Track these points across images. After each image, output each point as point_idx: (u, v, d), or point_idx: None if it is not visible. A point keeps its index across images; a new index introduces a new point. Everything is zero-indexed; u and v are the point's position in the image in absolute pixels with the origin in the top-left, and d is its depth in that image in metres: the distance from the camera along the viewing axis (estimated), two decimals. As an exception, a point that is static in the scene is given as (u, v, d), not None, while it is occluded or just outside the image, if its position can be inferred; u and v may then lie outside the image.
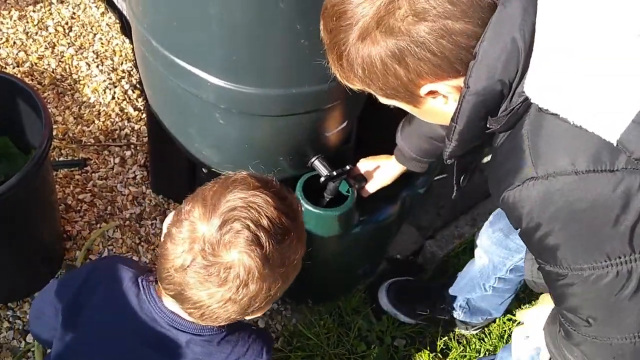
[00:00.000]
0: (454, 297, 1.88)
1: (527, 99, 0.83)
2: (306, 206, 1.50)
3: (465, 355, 1.91)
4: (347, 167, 1.54)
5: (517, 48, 0.81)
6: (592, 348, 0.97)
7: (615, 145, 0.77)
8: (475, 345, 1.94)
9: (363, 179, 1.62)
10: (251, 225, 0.91)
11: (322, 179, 1.53)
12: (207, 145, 1.52)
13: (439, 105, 0.93)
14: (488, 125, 0.89)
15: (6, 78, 1.57)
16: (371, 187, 1.62)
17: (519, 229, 0.90)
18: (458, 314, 1.90)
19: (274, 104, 1.34)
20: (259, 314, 1.03)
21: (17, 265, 1.69)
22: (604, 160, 0.78)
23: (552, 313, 1.13)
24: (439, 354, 1.90)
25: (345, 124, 1.56)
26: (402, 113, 1.84)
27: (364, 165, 1.63)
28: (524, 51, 0.81)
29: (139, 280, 1.08)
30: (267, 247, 0.91)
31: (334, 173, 1.52)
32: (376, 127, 1.91)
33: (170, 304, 1.04)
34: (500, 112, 0.86)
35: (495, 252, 1.64)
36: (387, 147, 1.93)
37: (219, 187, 0.96)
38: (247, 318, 1.03)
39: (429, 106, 0.94)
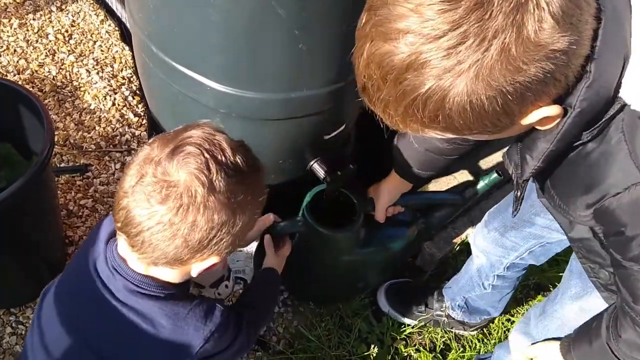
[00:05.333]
0: (453, 297, 1.90)
1: (624, 105, 0.80)
2: (310, 222, 1.52)
3: (465, 356, 1.92)
4: (351, 167, 1.55)
5: (622, 57, 0.78)
6: None
7: None
8: (476, 346, 1.95)
9: (372, 202, 1.60)
10: (205, 153, 0.93)
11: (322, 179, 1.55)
12: (207, 150, 1.53)
13: (528, 124, 0.82)
14: (578, 142, 0.85)
15: (8, 85, 1.59)
16: (379, 206, 1.59)
17: (615, 234, 0.90)
18: (456, 314, 1.91)
19: (273, 108, 1.36)
20: (207, 260, 1.01)
21: (19, 271, 1.71)
22: None
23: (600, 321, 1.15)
24: (439, 355, 1.91)
25: (343, 127, 1.58)
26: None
27: (372, 189, 1.61)
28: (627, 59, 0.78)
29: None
30: (216, 176, 0.92)
31: (331, 176, 1.54)
32: (375, 132, 1.94)
33: (121, 247, 1.04)
34: (595, 126, 0.83)
35: (492, 251, 1.65)
36: (387, 152, 1.95)
37: (183, 127, 0.99)
38: (196, 266, 1.02)
39: (514, 130, 0.83)
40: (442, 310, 1.94)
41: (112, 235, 1.09)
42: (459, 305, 1.89)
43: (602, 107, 0.80)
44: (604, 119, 0.82)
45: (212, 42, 1.24)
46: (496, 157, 2.28)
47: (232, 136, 1.44)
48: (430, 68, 0.70)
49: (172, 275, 1.06)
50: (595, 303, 1.29)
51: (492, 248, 1.64)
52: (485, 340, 1.98)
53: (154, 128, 1.70)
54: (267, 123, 1.41)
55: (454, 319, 1.93)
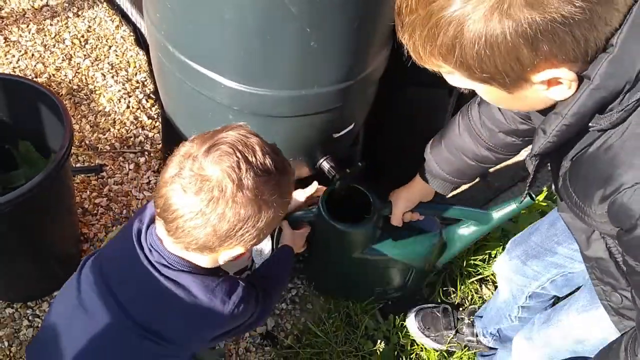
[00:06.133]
0: (484, 326, 1.88)
1: None
2: (324, 215, 1.56)
3: (469, 354, 1.94)
4: (360, 164, 1.60)
5: None
6: None
7: None
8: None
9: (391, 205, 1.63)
10: (237, 153, 1.02)
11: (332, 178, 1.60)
12: (220, 146, 1.58)
13: (542, 92, 0.84)
14: (591, 124, 0.85)
15: (28, 84, 1.65)
16: (396, 210, 1.62)
17: (627, 230, 0.88)
18: (488, 341, 1.89)
19: (284, 105, 1.40)
20: (234, 249, 1.10)
21: (36, 266, 1.76)
22: None
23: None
24: (444, 353, 1.94)
25: (352, 126, 1.62)
26: (409, 120, 1.90)
27: (392, 193, 1.65)
28: None
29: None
30: (245, 174, 1.01)
31: (340, 174, 1.59)
32: (383, 133, 1.98)
33: (159, 229, 1.13)
34: (610, 109, 0.83)
35: (513, 278, 1.65)
36: (392, 154, 2.00)
37: (221, 128, 1.08)
38: (224, 254, 1.11)
39: (527, 93, 0.85)
40: (473, 336, 1.92)
41: (154, 217, 1.17)
42: (490, 333, 1.87)
43: (620, 88, 0.80)
44: (624, 107, 0.81)
45: (226, 39, 1.29)
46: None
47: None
48: None
49: (202, 260, 1.14)
50: (601, 317, 1.29)
51: (514, 276, 1.64)
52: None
53: (168, 128, 1.75)
54: (278, 120, 1.45)
55: (485, 345, 1.91)
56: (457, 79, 0.87)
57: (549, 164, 1.11)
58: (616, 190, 0.86)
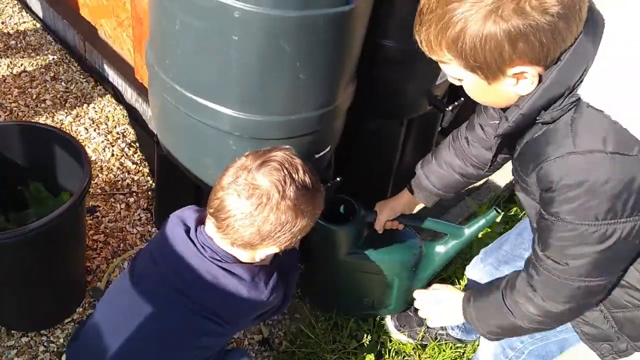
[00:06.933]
0: None
1: (578, 99, 1.08)
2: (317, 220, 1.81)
3: (441, 346, 2.21)
4: (337, 179, 1.88)
5: (586, 62, 1.06)
6: (553, 287, 1.26)
7: None
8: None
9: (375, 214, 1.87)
10: (284, 169, 1.27)
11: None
12: (220, 170, 1.83)
13: (511, 87, 1.11)
14: (538, 118, 1.14)
15: (44, 128, 1.87)
16: (379, 217, 1.86)
17: (546, 190, 1.16)
18: (455, 333, 2.15)
19: (277, 129, 1.68)
20: (270, 248, 1.33)
21: (52, 296, 1.92)
22: (627, 146, 1.04)
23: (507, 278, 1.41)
24: (419, 346, 2.20)
25: (328, 148, 1.92)
26: (370, 149, 2.21)
27: (378, 203, 1.90)
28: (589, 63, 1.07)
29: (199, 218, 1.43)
30: (289, 187, 1.27)
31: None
32: (350, 164, 2.29)
33: (208, 227, 1.36)
34: (552, 108, 1.11)
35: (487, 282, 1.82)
36: (359, 182, 2.30)
37: (271, 148, 1.35)
38: (260, 252, 1.34)
39: (500, 84, 1.11)
40: (442, 330, 2.18)
41: (200, 220, 1.40)
42: (457, 326, 2.13)
43: (562, 92, 1.08)
44: (562, 107, 1.09)
45: (231, 75, 1.57)
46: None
47: (244, 153, 1.77)
48: None
49: (243, 256, 1.38)
50: None
51: (487, 279, 1.84)
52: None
53: (166, 165, 1.99)
54: (271, 142, 1.72)
55: (453, 337, 2.17)
56: (452, 68, 1.13)
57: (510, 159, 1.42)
58: (543, 160, 1.15)
